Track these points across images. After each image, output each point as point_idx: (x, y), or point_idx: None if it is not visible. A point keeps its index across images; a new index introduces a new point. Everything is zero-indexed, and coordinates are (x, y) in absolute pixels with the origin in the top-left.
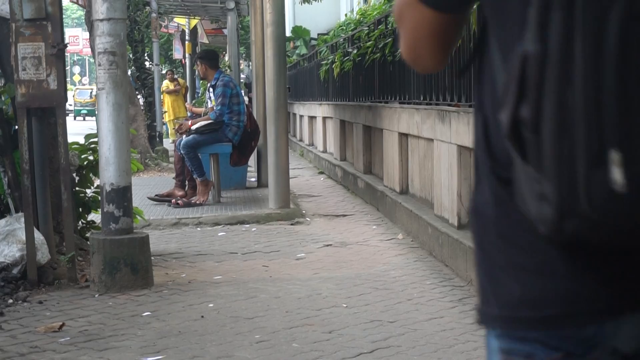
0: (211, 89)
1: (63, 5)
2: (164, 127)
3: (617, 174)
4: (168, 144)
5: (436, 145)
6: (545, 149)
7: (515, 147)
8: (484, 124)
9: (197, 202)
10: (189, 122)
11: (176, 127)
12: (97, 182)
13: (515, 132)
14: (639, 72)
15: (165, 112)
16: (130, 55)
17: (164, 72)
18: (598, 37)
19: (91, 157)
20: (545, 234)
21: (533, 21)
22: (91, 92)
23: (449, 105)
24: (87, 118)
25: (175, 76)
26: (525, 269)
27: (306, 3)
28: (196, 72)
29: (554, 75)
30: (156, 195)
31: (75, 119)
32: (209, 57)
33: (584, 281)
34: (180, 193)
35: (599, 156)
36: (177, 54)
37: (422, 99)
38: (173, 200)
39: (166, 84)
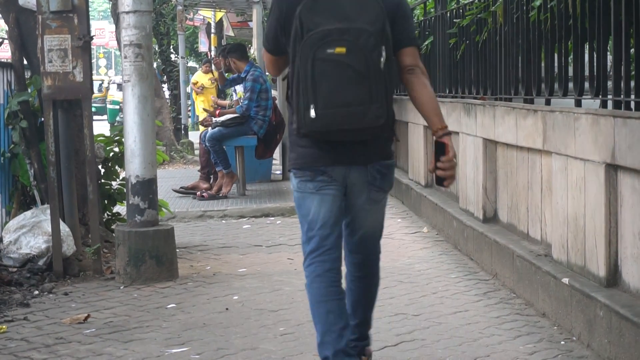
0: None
1: None
2: (189, 119)
3: (312, 113)
4: (193, 136)
5: (462, 138)
6: (294, 104)
7: (287, 105)
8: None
9: (221, 194)
10: (216, 112)
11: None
12: (122, 174)
13: (288, 100)
14: (319, 79)
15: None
16: (156, 48)
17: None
18: (307, 65)
19: (117, 149)
20: (297, 134)
21: (291, 57)
22: (101, 84)
23: (475, 98)
24: (94, 117)
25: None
26: (299, 146)
27: None
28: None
29: (296, 79)
30: (181, 187)
31: None
32: (239, 50)
33: (317, 152)
34: (205, 186)
35: (308, 106)
36: (202, 47)
37: (447, 91)
38: (198, 193)
39: (199, 75)
